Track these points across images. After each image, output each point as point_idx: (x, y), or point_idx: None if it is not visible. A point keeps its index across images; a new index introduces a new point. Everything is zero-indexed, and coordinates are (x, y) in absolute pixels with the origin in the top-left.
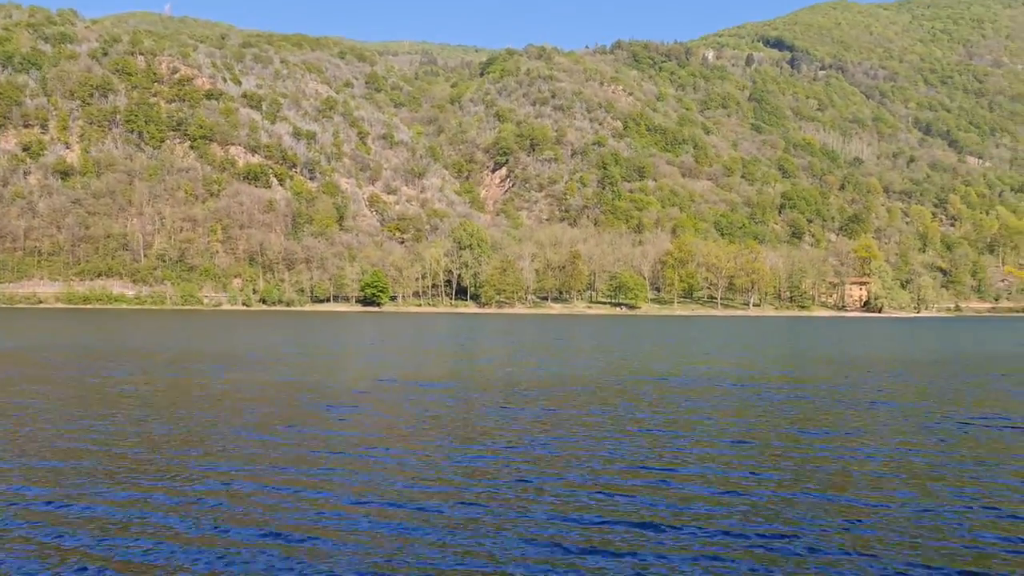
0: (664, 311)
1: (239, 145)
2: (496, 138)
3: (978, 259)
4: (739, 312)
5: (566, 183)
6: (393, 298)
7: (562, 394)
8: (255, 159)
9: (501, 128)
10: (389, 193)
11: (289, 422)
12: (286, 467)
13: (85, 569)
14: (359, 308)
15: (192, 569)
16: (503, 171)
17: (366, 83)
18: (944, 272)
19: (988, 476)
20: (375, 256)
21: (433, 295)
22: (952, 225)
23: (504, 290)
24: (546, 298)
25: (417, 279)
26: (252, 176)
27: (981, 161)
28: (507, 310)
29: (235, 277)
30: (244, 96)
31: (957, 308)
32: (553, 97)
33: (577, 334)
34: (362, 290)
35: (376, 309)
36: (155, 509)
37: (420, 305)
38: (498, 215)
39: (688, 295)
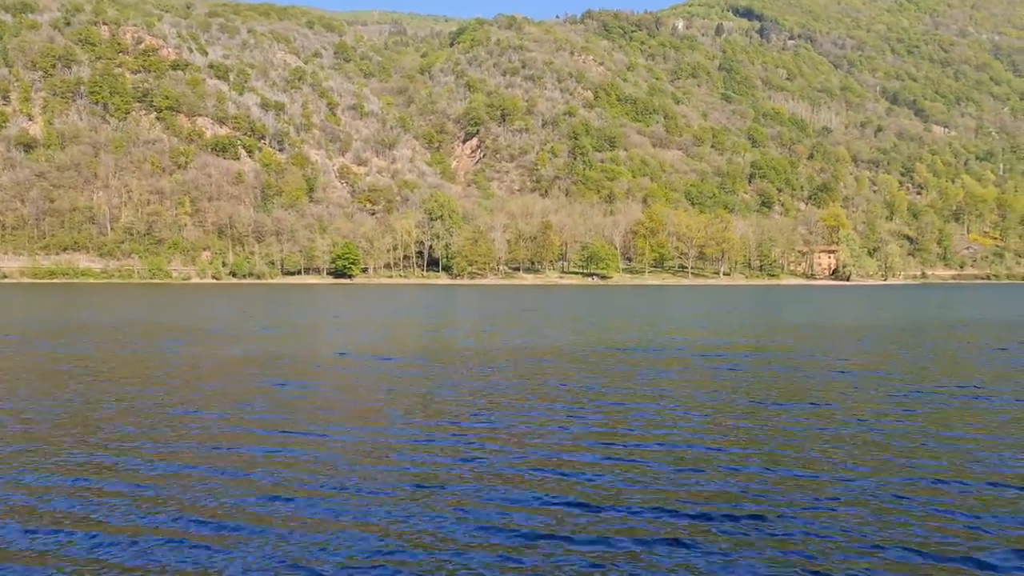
0: (636, 281)
1: (206, 116)
2: (467, 108)
3: (944, 227)
4: (710, 281)
5: (537, 153)
6: (364, 270)
7: (529, 366)
8: (223, 130)
9: (471, 98)
10: (359, 164)
11: (240, 399)
12: (232, 447)
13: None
14: (330, 280)
15: (126, 560)
16: (474, 142)
17: (335, 53)
18: (911, 240)
19: (960, 447)
20: (346, 228)
21: (404, 266)
22: (918, 194)
23: (476, 261)
24: (518, 269)
25: (388, 251)
26: (220, 148)
27: (947, 130)
28: (479, 281)
29: (204, 250)
30: (211, 67)
31: (923, 275)
32: (523, 67)
33: (548, 304)
34: (333, 262)
35: (347, 281)
36: (90, 495)
37: (391, 277)
38: (469, 186)
39: (659, 264)
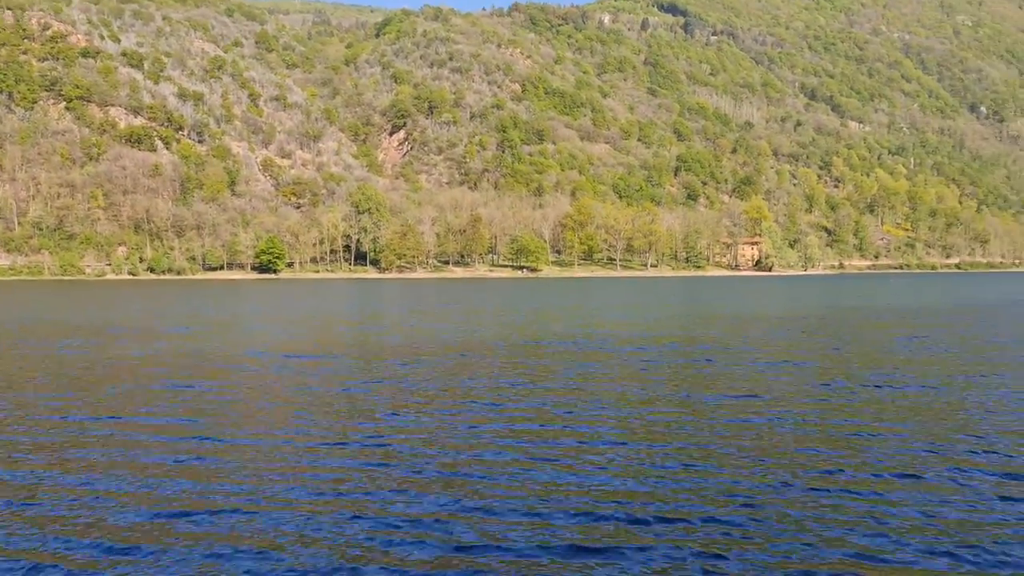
0: (565, 273)
1: (119, 106)
2: (393, 100)
3: (859, 219)
4: (638, 273)
5: (465, 146)
6: (290, 265)
7: (454, 362)
8: (138, 121)
9: (398, 90)
10: (283, 157)
11: (144, 403)
12: (131, 456)
13: None
14: (254, 276)
15: None
16: (401, 134)
17: (256, 42)
18: (829, 231)
19: (892, 436)
20: (270, 222)
21: (332, 261)
22: (836, 187)
23: (404, 255)
24: (448, 262)
25: (314, 245)
26: (135, 139)
27: (861, 125)
28: (408, 275)
29: (119, 245)
30: (124, 55)
31: (841, 266)
32: (451, 59)
33: (478, 298)
34: (257, 257)
35: (272, 276)
36: None
37: (318, 271)
38: (397, 179)
39: (588, 257)
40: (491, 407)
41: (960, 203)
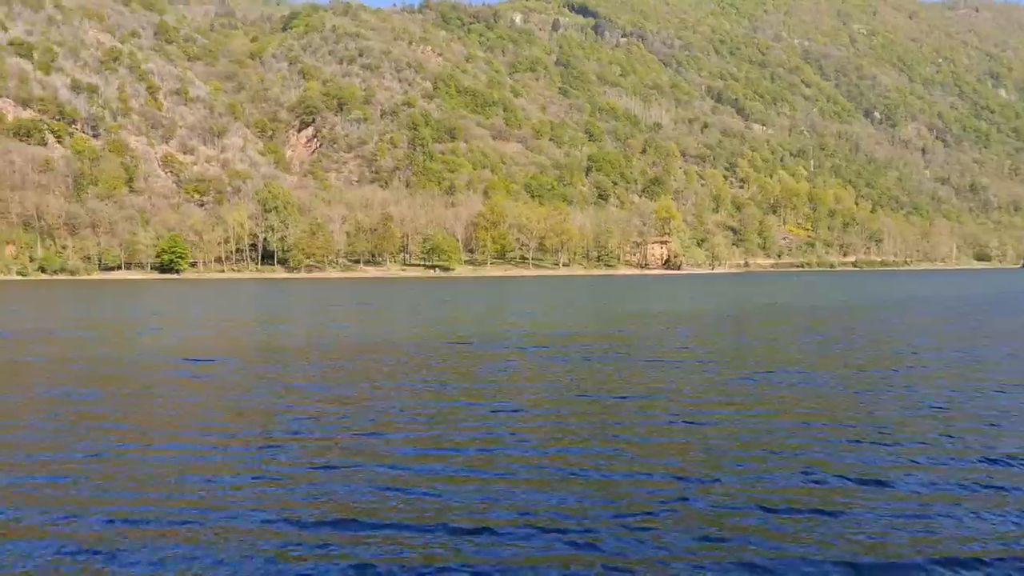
0: (478, 272)
1: (7, 98)
2: (301, 97)
3: (763, 219)
4: (550, 272)
5: (376, 144)
6: (193, 264)
7: (361, 363)
8: (27, 114)
9: (307, 86)
10: (185, 153)
11: (15, 412)
12: None
13: None
14: (155, 276)
15: None
16: (309, 131)
17: (155, 34)
18: (734, 231)
19: (799, 433)
20: (172, 220)
21: (238, 260)
22: (741, 187)
23: (314, 254)
24: (358, 261)
25: (220, 244)
26: (24, 132)
27: (765, 128)
28: (318, 274)
29: (8, 244)
30: (11, 44)
31: (746, 264)
32: (361, 56)
33: (389, 297)
34: (158, 256)
35: (174, 276)
36: None
37: (223, 271)
38: (305, 176)
39: (501, 256)
40: (397, 410)
41: (856, 204)
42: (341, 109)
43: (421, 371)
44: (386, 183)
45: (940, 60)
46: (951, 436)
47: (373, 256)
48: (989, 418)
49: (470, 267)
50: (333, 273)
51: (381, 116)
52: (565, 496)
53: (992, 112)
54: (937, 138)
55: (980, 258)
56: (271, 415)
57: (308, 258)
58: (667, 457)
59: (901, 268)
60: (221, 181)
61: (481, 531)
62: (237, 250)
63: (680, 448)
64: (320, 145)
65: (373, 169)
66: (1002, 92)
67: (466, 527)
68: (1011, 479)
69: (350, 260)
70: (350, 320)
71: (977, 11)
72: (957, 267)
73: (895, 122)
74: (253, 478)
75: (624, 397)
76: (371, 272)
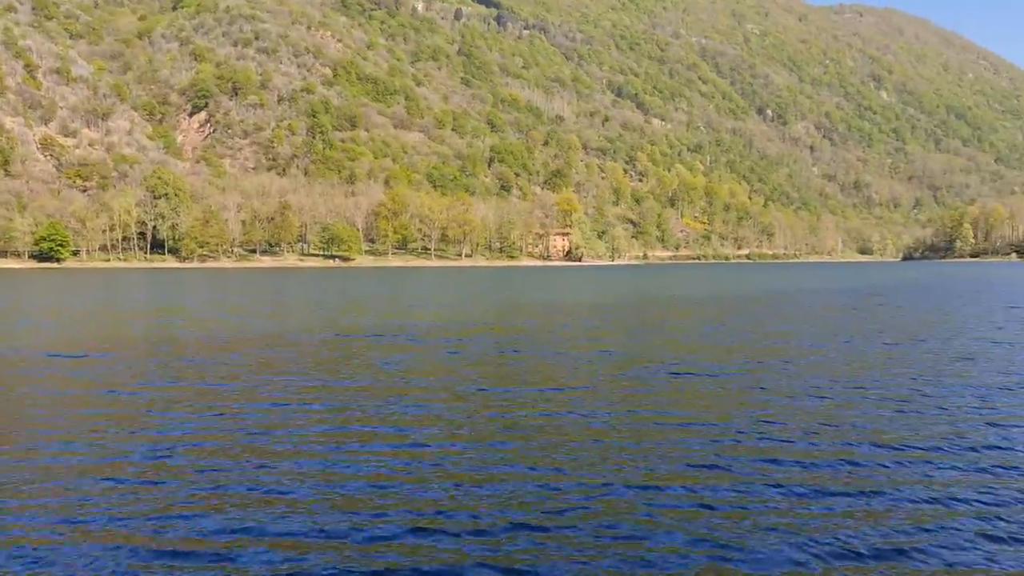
0: (379, 263)
1: None
2: (193, 79)
3: (662, 212)
4: (452, 263)
5: (273, 131)
6: (76, 253)
7: (254, 358)
8: None
9: (199, 69)
10: (67, 135)
11: None
12: None
13: None
14: (33, 264)
15: None
16: (202, 115)
17: (33, 8)
18: (634, 224)
19: (700, 425)
20: (52, 206)
21: (124, 249)
22: (640, 180)
23: (207, 243)
24: (255, 251)
25: (104, 232)
26: None
27: (663, 123)
28: (211, 264)
29: None
30: None
31: (645, 256)
32: (257, 39)
33: (286, 288)
34: (36, 244)
35: (55, 265)
36: None
37: (109, 260)
38: (198, 163)
39: (402, 246)
40: (286, 407)
41: (750, 199)
42: (236, 93)
43: (314, 365)
44: (284, 171)
45: (827, 61)
46: (835, 425)
47: (270, 246)
48: (869, 406)
49: (371, 257)
50: (228, 263)
51: (278, 102)
52: (460, 495)
53: (874, 113)
54: (824, 137)
55: (863, 252)
56: (142, 415)
57: (201, 247)
58: (564, 453)
59: (791, 261)
60: (106, 166)
61: (371, 534)
62: (124, 238)
63: (577, 444)
64: (213, 130)
65: (270, 156)
66: (883, 94)
67: (349, 529)
68: (874, 467)
69: (246, 250)
70: (242, 312)
71: (861, 16)
72: (842, 260)
73: (786, 120)
74: (116, 482)
75: (525, 390)
76: (268, 262)
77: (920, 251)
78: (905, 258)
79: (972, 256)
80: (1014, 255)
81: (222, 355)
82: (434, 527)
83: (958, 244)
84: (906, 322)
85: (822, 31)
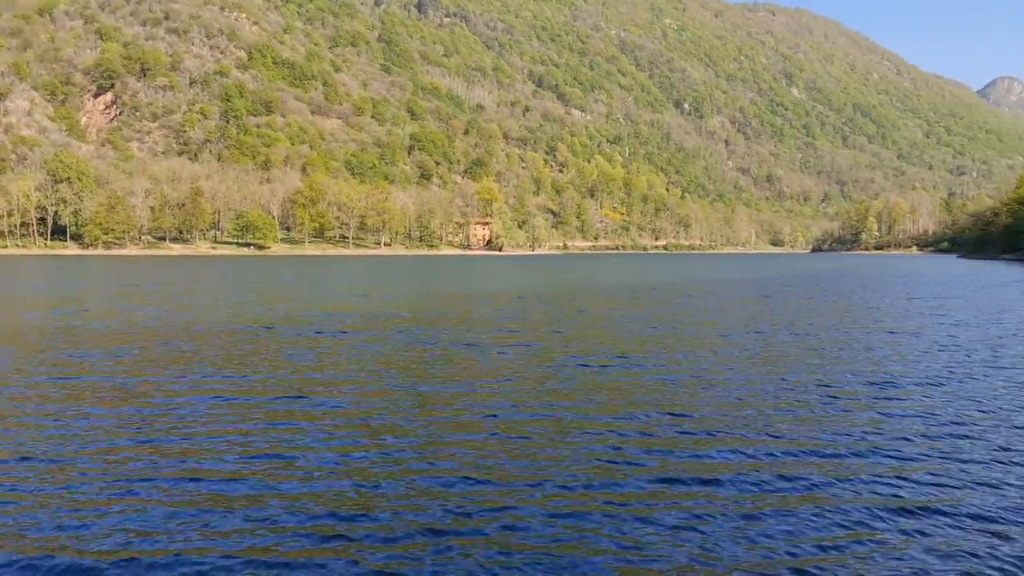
0: (295, 251)
1: None
2: (99, 59)
3: (582, 203)
4: (371, 251)
5: (184, 114)
6: None
7: (159, 350)
8: None
9: (105, 48)
10: None
11: None
12: None
13: None
14: None
15: None
16: (108, 97)
17: None
18: (554, 214)
19: (606, 421)
20: None
21: (23, 235)
22: (560, 171)
23: (113, 230)
24: (164, 238)
25: (1, 216)
26: None
27: (583, 114)
28: (116, 252)
29: None
30: None
31: (565, 246)
32: (167, 19)
33: (197, 276)
34: None
35: None
36: None
37: (6, 247)
38: (104, 146)
39: (320, 235)
40: (192, 405)
41: (667, 190)
42: (145, 75)
43: (220, 359)
44: (196, 156)
45: (742, 58)
46: (745, 416)
47: (181, 233)
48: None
49: (287, 246)
50: (135, 250)
51: (190, 84)
52: (366, 497)
53: (786, 109)
54: (739, 131)
55: (775, 243)
56: (17, 414)
57: (106, 234)
58: (475, 451)
59: (708, 252)
60: (3, 147)
61: (270, 541)
62: (23, 224)
63: (488, 440)
64: (120, 113)
65: (181, 141)
66: (794, 91)
67: (250, 537)
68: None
69: (155, 237)
70: (144, 302)
71: (773, 15)
72: (756, 251)
73: (702, 114)
74: None
75: (441, 386)
76: (178, 250)
77: (828, 243)
78: (814, 250)
79: (876, 248)
80: (914, 248)
81: (120, 348)
82: (335, 533)
83: (863, 237)
84: (815, 312)
85: (737, 28)
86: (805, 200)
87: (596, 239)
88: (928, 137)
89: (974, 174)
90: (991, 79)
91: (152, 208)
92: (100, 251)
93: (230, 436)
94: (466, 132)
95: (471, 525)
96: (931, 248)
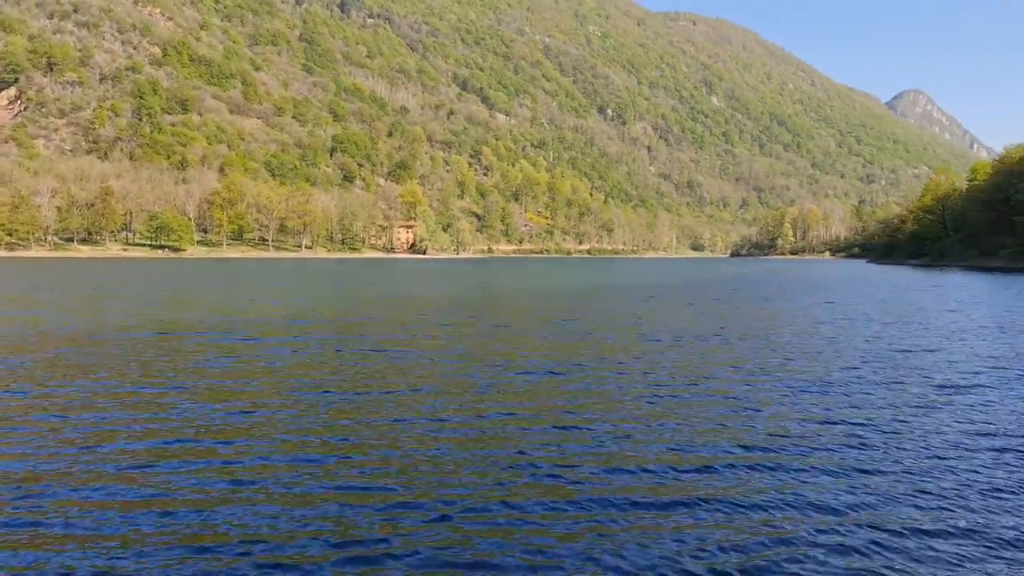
0: (212, 253)
1: None
2: (2, 52)
3: (506, 206)
4: (291, 254)
5: (94, 111)
6: None
7: (46, 360)
8: None
9: (8, 41)
10: None
11: None
12: None
13: None
14: None
15: None
16: (12, 91)
17: None
18: (479, 217)
19: (525, 430)
20: None
21: None
22: (485, 175)
23: (16, 230)
24: (71, 239)
25: None
26: None
27: (508, 118)
28: (20, 253)
29: None
30: None
31: (489, 250)
32: (76, 12)
33: (103, 279)
34: None
35: None
36: None
37: None
38: (7, 143)
39: (238, 237)
40: (95, 418)
41: (591, 195)
42: (51, 69)
43: (126, 367)
44: (106, 154)
45: (664, 66)
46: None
47: (90, 234)
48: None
49: (204, 248)
50: (40, 252)
51: (100, 80)
52: (288, 517)
53: (706, 117)
54: (660, 137)
55: (695, 248)
56: None
57: (9, 235)
58: (398, 466)
59: (630, 256)
60: None
61: (193, 569)
62: None
63: (413, 454)
64: (25, 108)
65: (90, 139)
66: (714, 99)
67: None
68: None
69: (62, 238)
70: (44, 306)
71: (694, 24)
72: (677, 256)
73: (625, 120)
74: None
75: (364, 394)
76: (86, 251)
77: (746, 248)
78: (733, 254)
79: (792, 253)
80: (827, 253)
81: (13, 357)
82: (256, 558)
83: (780, 242)
84: (738, 317)
85: (659, 36)
86: (724, 206)
87: (520, 243)
88: (840, 146)
89: (883, 182)
90: (898, 92)
91: (59, 208)
92: (3, 252)
93: (141, 454)
94: (390, 134)
95: (401, 546)
96: (843, 253)
